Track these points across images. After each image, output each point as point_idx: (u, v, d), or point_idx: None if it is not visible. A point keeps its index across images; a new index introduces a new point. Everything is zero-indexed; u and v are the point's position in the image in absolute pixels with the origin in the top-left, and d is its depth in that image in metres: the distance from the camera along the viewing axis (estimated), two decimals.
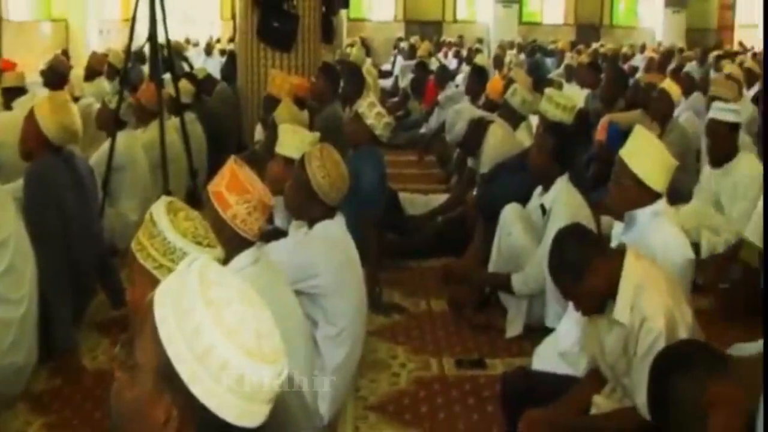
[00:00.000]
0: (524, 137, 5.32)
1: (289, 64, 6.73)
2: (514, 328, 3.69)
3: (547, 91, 5.01)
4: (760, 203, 3.61)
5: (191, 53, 14.27)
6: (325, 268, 2.82)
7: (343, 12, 12.63)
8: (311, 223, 2.97)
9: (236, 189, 2.27)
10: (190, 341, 1.01)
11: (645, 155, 2.87)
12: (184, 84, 5.89)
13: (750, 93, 8.40)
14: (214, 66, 10.96)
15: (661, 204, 2.89)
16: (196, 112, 5.96)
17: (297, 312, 2.48)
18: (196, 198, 4.50)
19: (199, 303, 1.02)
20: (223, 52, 13.55)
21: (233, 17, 11.90)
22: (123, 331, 3.34)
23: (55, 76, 7.45)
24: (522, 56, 14.08)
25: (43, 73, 8.15)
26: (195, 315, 1.02)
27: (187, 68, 10.33)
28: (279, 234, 3.48)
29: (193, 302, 1.03)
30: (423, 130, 8.65)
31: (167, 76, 5.31)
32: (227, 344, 1.01)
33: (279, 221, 3.78)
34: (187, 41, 15.69)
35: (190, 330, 1.02)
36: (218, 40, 16.16)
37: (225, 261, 2.26)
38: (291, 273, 2.68)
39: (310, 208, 2.95)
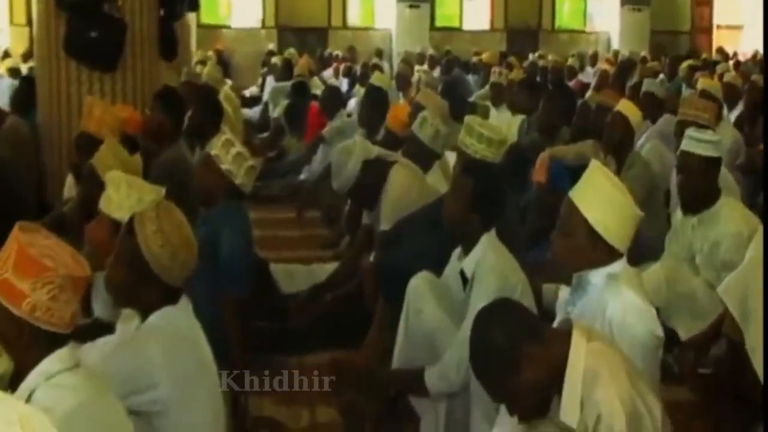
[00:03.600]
0: (438, 181, 5.47)
1: (113, 89, 6.69)
2: None
3: (468, 119, 5.19)
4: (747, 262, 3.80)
5: None
6: (166, 376, 2.81)
7: (190, 16, 12.68)
8: (145, 312, 2.96)
9: (29, 270, 2.23)
10: None
11: (602, 199, 3.00)
12: None
13: (732, 114, 8.88)
14: (0, 92, 10.78)
15: (620, 265, 3.04)
16: None
17: None
18: None
19: None
20: (14, 73, 13.33)
21: (29, 23, 11.67)
22: None
23: None
24: (435, 73, 14.50)
25: None
26: None
27: None
28: (100, 329, 3.44)
29: None
30: (303, 175, 8.76)
31: None
32: None
33: (99, 309, 3.75)
34: None
35: None
36: (6, 55, 15.88)
37: (26, 370, 2.24)
38: (117, 386, 2.65)
39: (142, 290, 2.94)
